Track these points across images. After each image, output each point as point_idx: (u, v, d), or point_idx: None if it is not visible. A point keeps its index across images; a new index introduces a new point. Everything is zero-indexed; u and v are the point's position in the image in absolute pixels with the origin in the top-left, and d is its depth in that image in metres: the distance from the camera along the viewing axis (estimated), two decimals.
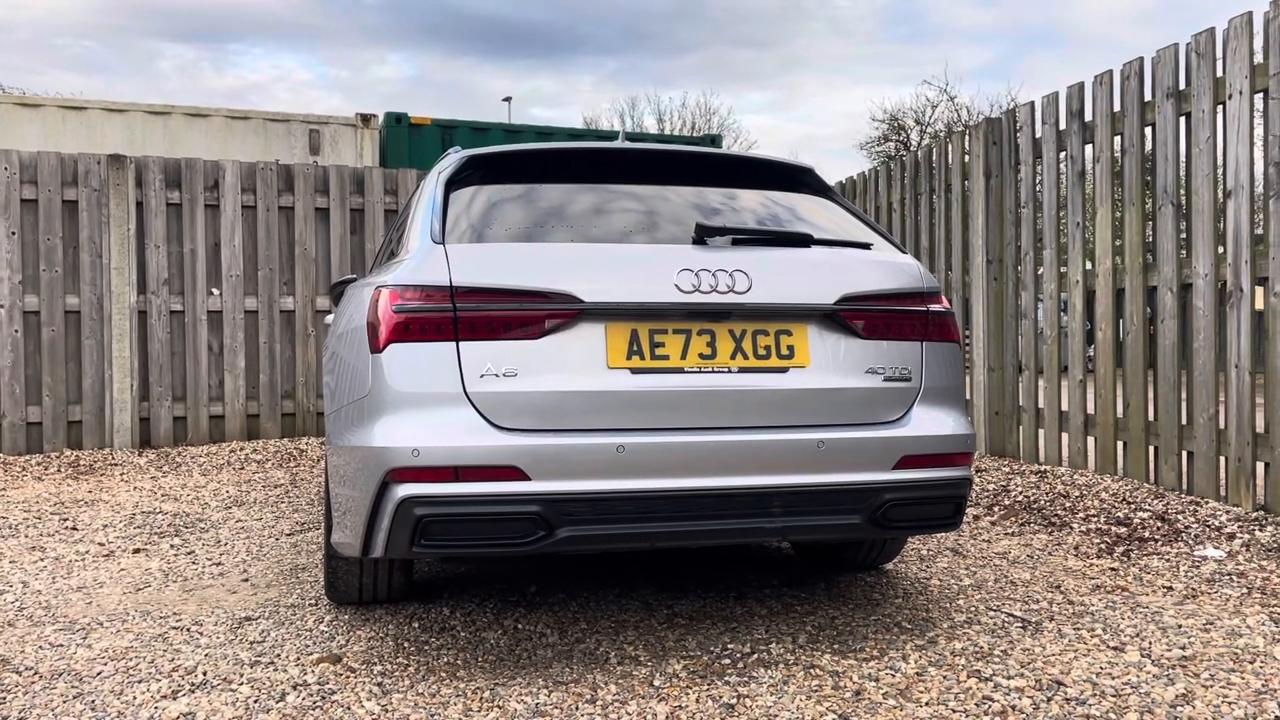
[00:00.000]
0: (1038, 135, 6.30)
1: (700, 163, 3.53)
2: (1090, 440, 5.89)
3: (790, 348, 2.92)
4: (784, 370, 2.90)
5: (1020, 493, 5.43)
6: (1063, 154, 6.11)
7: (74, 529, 5.06)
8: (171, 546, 4.66)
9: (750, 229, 3.11)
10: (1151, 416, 5.46)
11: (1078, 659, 2.89)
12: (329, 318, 4.79)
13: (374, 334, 2.81)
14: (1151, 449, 5.43)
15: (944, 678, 2.75)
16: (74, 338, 7.61)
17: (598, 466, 2.71)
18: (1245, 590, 3.60)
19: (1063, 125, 6.06)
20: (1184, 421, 5.23)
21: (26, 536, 4.87)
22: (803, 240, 3.12)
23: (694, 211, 3.16)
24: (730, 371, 2.86)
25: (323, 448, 7.70)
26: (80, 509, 5.58)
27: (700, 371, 2.83)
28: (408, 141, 10.87)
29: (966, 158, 6.99)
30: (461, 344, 2.74)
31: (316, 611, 3.51)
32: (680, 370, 2.83)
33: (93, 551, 4.55)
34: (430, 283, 2.79)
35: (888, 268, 3.14)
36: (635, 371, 2.80)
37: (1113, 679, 2.72)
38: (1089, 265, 5.91)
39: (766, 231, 3.14)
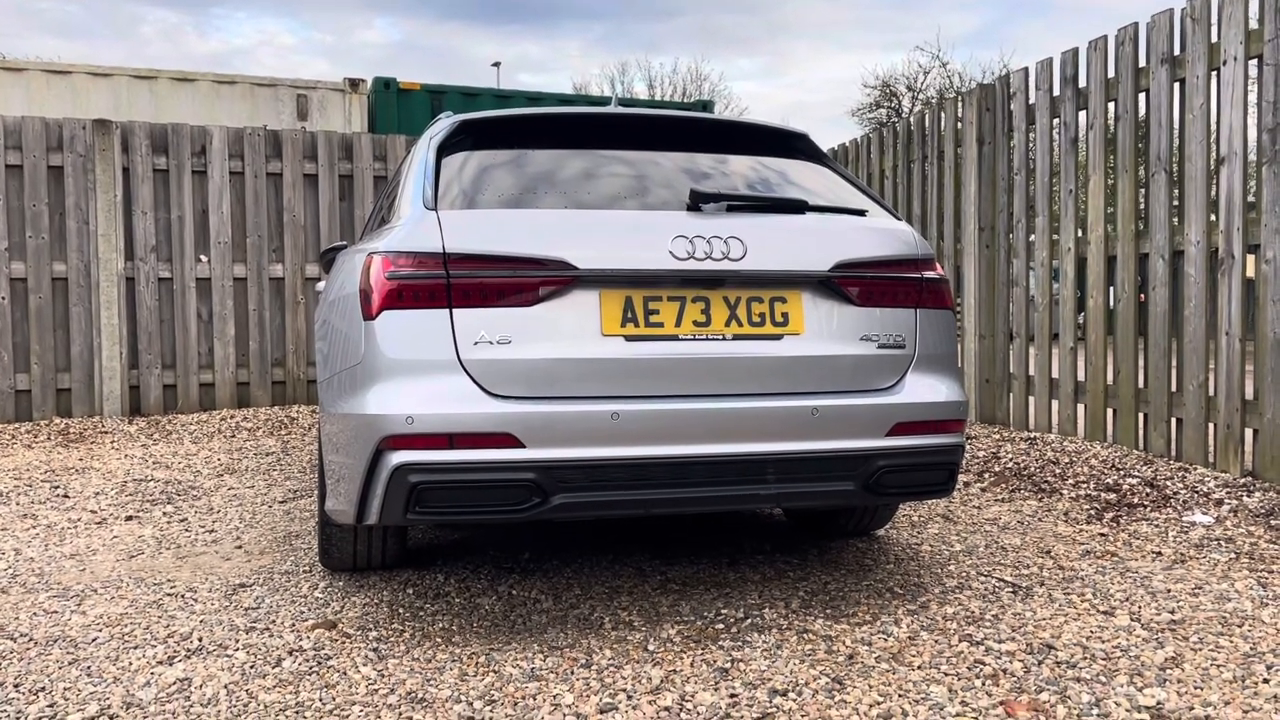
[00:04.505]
0: (1031, 101, 6.28)
1: (694, 128, 3.51)
2: (1080, 407, 5.92)
3: (785, 315, 2.91)
4: (778, 337, 2.90)
5: (1010, 459, 5.46)
6: (1056, 120, 6.09)
7: (65, 496, 5.05)
8: (164, 514, 4.65)
9: (745, 195, 3.10)
10: (1141, 384, 5.48)
11: (1068, 623, 2.91)
12: (320, 285, 4.76)
13: (366, 301, 2.80)
14: (1141, 416, 5.45)
15: (936, 642, 2.78)
16: (62, 305, 7.56)
17: (592, 434, 2.71)
18: (1233, 555, 3.63)
19: (1056, 91, 6.04)
20: (1174, 389, 5.25)
21: (18, 504, 4.86)
22: (797, 206, 3.10)
23: (688, 177, 3.14)
24: (725, 339, 2.85)
25: (314, 415, 7.69)
26: (71, 476, 5.57)
27: (695, 339, 2.83)
28: (396, 107, 10.77)
29: (959, 124, 6.97)
30: (455, 311, 2.73)
31: (311, 578, 3.52)
32: (675, 338, 2.82)
33: (85, 519, 4.55)
34: (423, 249, 2.77)
35: (882, 234, 3.14)
36: (630, 339, 2.79)
37: (1103, 642, 2.75)
38: (1081, 233, 5.91)
39: (761, 198, 3.13)
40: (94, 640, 2.92)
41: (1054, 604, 3.10)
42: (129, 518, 4.57)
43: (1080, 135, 5.93)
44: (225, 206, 7.93)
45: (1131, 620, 2.93)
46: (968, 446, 5.83)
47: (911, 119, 7.70)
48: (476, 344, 2.72)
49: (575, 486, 2.71)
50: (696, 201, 2.94)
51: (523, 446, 2.67)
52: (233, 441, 6.86)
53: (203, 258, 7.89)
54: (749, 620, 2.98)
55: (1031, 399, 6.33)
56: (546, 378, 2.74)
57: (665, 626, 2.94)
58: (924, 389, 3.04)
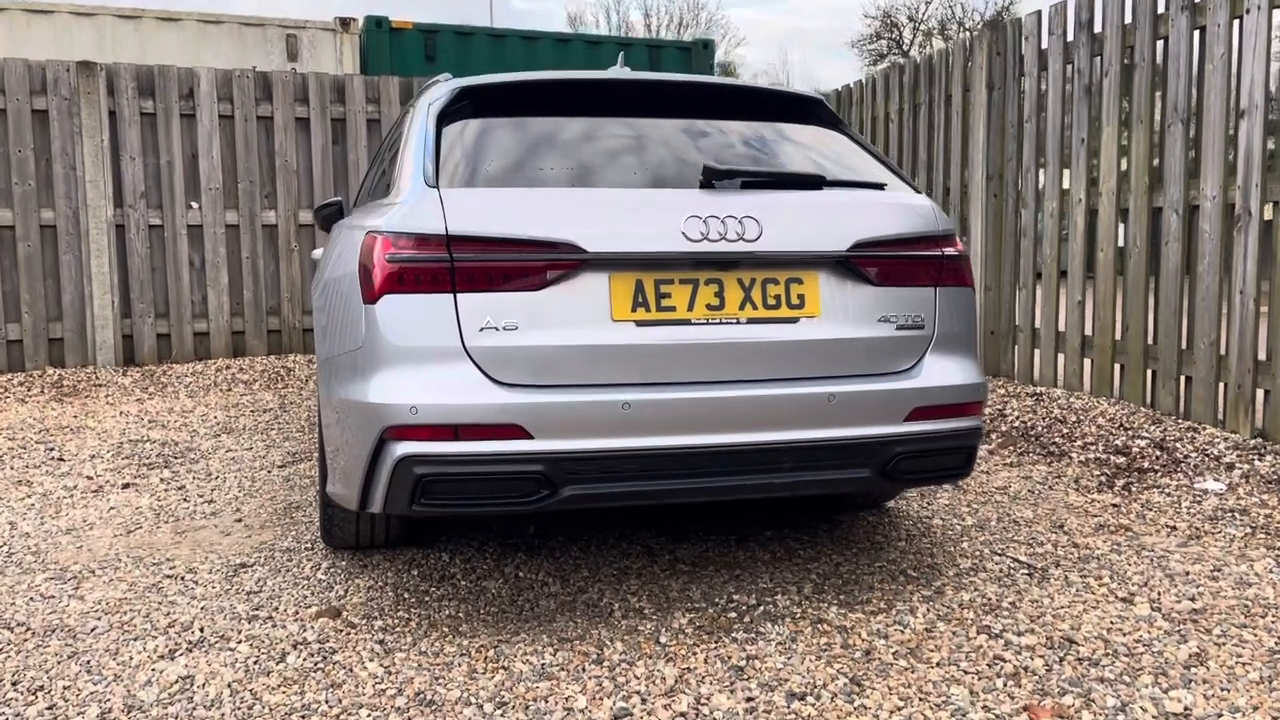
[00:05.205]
0: (1044, 46, 6.09)
1: (707, 94, 3.36)
2: (1087, 362, 5.84)
3: (801, 297, 2.81)
4: (794, 320, 2.79)
5: (1017, 417, 5.39)
6: (1069, 67, 5.91)
7: (60, 460, 4.97)
8: (161, 480, 4.58)
9: (760, 172, 2.96)
10: (1151, 340, 5.39)
11: (1087, 611, 2.86)
12: (316, 252, 4.64)
13: (367, 283, 2.69)
14: (1149, 372, 5.37)
15: (954, 634, 2.72)
16: (51, 253, 7.41)
17: (603, 424, 2.62)
18: (1249, 530, 3.58)
19: (1070, 36, 5.85)
20: (1184, 346, 5.17)
21: (12, 468, 4.79)
22: (815, 182, 2.97)
23: (701, 149, 3.01)
24: (739, 323, 2.75)
25: (310, 367, 7.59)
26: (66, 436, 5.49)
27: (708, 323, 2.73)
28: (389, 47, 10.48)
29: (968, 67, 6.77)
30: (459, 296, 2.62)
31: (313, 557, 3.45)
32: (687, 322, 2.72)
33: (81, 486, 4.47)
34: (425, 230, 2.66)
35: (902, 210, 3.02)
36: (641, 324, 2.69)
37: (1124, 635, 2.69)
38: (1092, 184, 5.77)
39: (777, 174, 3.00)
40: (93, 630, 2.85)
41: (1071, 589, 3.05)
42: (125, 485, 4.49)
43: (1094, 83, 5.76)
44: (215, 151, 7.74)
45: (1152, 609, 2.87)
46: None
47: (919, 60, 7.49)
48: (482, 330, 2.62)
49: (585, 478, 2.63)
50: (710, 179, 2.81)
51: (531, 438, 2.59)
52: (229, 396, 6.77)
53: (193, 204, 7.72)
54: (761, 608, 2.92)
55: (1037, 352, 6.24)
56: (555, 365, 2.64)
57: (676, 614, 2.89)
58: (942, 371, 2.95)
